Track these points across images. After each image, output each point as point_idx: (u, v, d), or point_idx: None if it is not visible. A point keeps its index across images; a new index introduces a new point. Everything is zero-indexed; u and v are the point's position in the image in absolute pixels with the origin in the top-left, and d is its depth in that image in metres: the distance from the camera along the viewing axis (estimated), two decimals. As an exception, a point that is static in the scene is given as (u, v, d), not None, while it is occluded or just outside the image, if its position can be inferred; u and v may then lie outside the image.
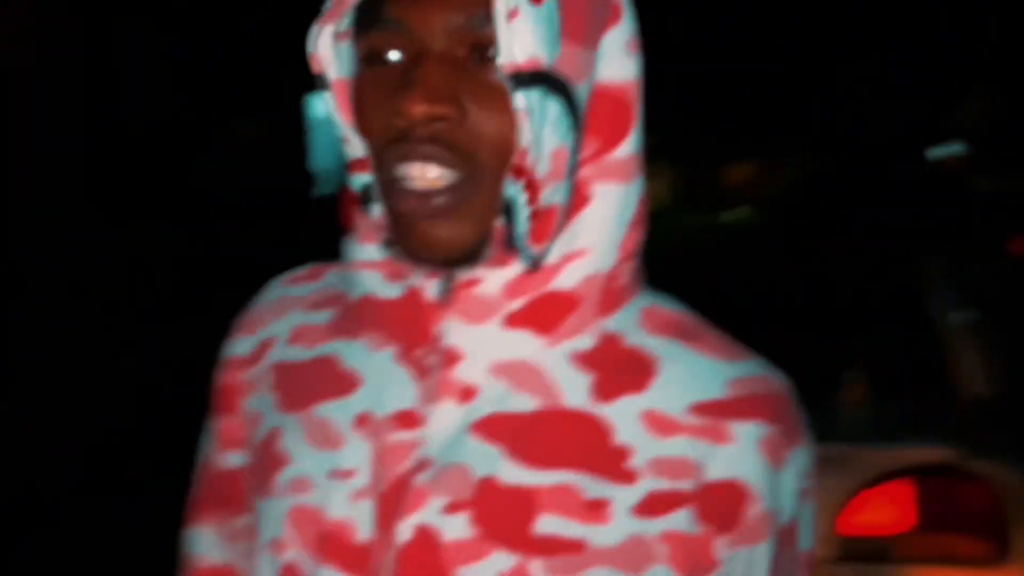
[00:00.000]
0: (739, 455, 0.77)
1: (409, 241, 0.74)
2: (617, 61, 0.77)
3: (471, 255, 0.74)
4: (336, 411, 0.81)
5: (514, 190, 0.72)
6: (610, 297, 0.79)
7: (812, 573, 1.86)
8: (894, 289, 3.27)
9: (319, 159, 17.42)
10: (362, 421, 0.80)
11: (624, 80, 0.77)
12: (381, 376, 0.80)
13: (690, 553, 0.77)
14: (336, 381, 0.82)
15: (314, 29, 0.75)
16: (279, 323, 0.89)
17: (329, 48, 0.76)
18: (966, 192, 8.71)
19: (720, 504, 0.77)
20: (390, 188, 0.73)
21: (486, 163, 0.72)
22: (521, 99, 0.70)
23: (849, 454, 2.71)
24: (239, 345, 0.91)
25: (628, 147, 0.78)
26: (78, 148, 10.98)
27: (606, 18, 0.76)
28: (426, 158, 0.71)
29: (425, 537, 0.76)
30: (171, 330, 9.44)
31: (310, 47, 0.76)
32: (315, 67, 0.77)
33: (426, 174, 0.72)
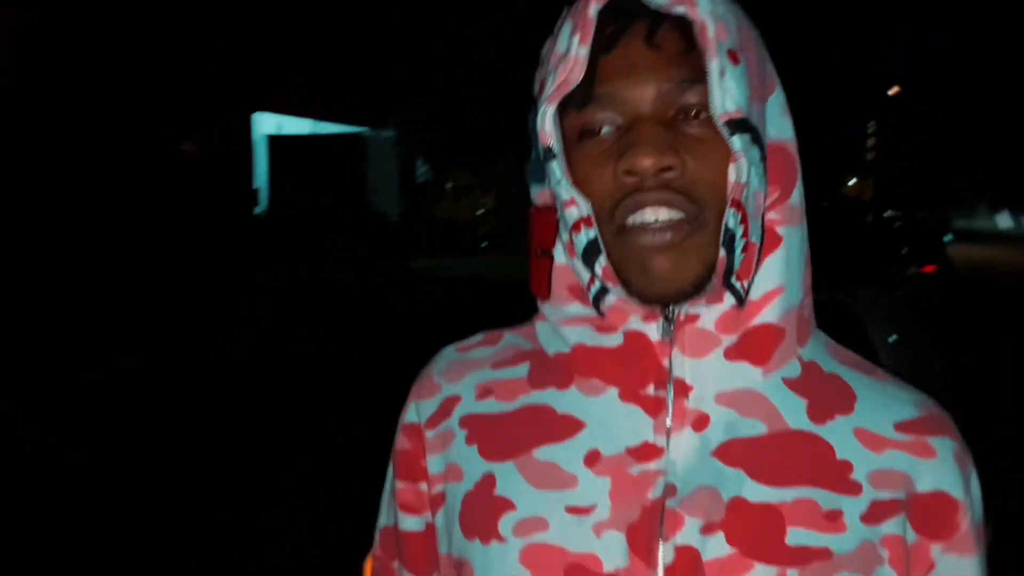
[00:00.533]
0: (942, 468, 0.84)
1: (644, 276, 0.80)
2: (780, 122, 0.85)
3: (698, 287, 0.80)
4: (562, 453, 0.85)
5: (734, 222, 0.80)
6: (803, 328, 0.87)
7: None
8: (833, 316, 3.45)
9: (261, 176, 17.40)
10: (593, 459, 0.84)
11: (787, 138, 0.86)
12: (606, 416, 0.85)
13: (907, 556, 0.83)
14: (555, 426, 0.86)
15: (540, 109, 0.83)
16: (460, 384, 0.93)
17: (552, 124, 0.82)
18: (877, 224, 9.10)
19: (932, 513, 0.84)
20: (624, 233, 0.80)
21: (707, 203, 0.79)
22: (737, 141, 0.79)
23: None
24: (416, 412, 0.95)
25: (798, 195, 0.86)
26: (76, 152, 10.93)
27: (768, 85, 0.85)
28: (659, 203, 0.78)
29: (688, 557, 0.80)
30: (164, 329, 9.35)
31: (537, 125, 0.83)
32: (543, 142, 0.83)
33: (659, 216, 0.79)
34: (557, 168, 0.83)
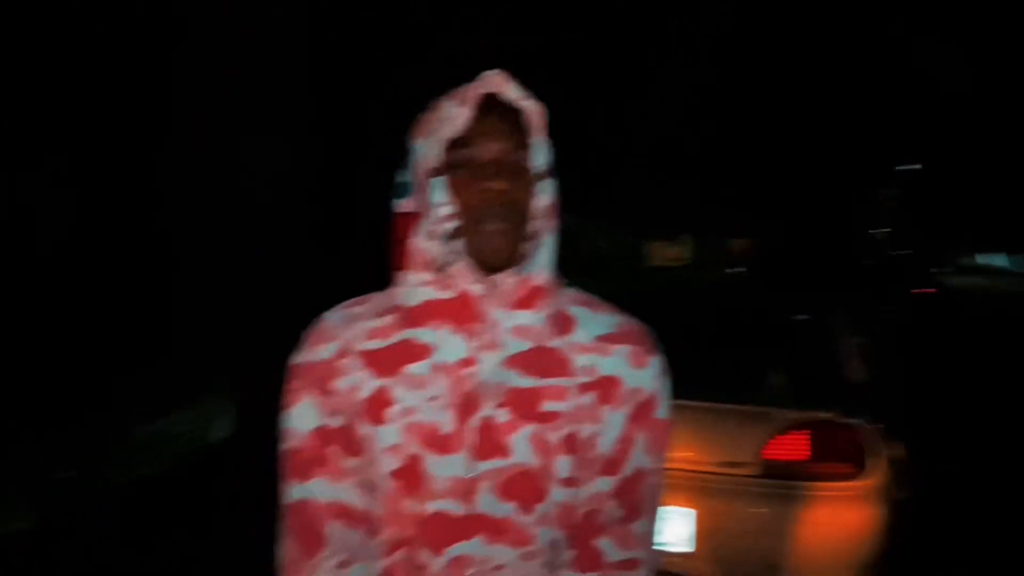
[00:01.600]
0: (615, 362, 1.33)
1: (483, 258, 1.25)
2: (552, 180, 1.32)
3: (510, 264, 1.27)
4: (422, 367, 1.28)
5: (534, 229, 1.28)
6: (554, 287, 1.33)
7: (741, 486, 3.81)
8: (813, 321, 4.54)
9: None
10: (437, 368, 1.28)
11: (555, 188, 1.32)
12: (446, 343, 1.29)
13: (593, 417, 1.31)
14: (417, 351, 1.29)
15: (430, 145, 1.27)
16: (351, 330, 1.33)
17: (439, 156, 1.26)
18: (883, 258, 11.37)
19: (605, 389, 1.32)
20: (478, 231, 1.24)
21: (524, 216, 1.26)
22: (546, 186, 1.28)
23: (774, 413, 3.94)
24: (321, 351, 1.33)
25: (556, 217, 1.31)
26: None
27: (550, 157, 1.32)
28: (501, 214, 1.24)
29: (488, 423, 1.26)
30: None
31: (427, 154, 1.27)
32: (433, 164, 1.26)
33: (499, 226, 1.25)
34: (440, 184, 1.25)
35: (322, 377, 1.32)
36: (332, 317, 1.36)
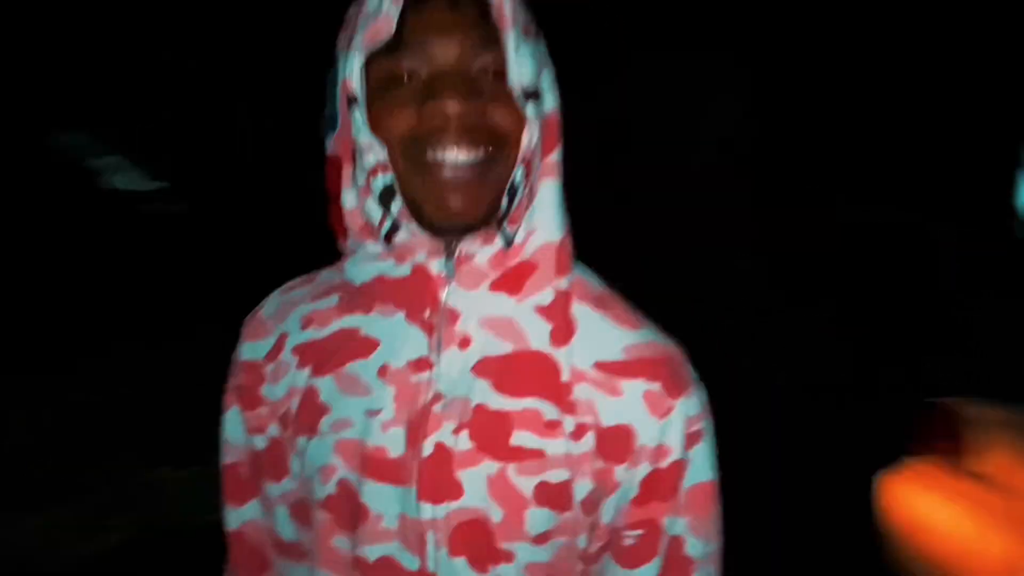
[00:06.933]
0: (625, 406, 0.99)
1: (440, 212, 0.92)
2: (550, 95, 0.97)
3: (483, 223, 0.93)
4: (362, 368, 1.01)
5: (520, 177, 0.94)
6: (562, 262, 0.99)
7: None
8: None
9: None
10: (383, 372, 1.00)
11: (555, 108, 0.97)
12: (395, 336, 1.00)
13: (598, 474, 0.99)
14: (359, 346, 1.02)
15: (350, 58, 0.92)
16: (286, 322, 1.08)
17: (359, 75, 0.93)
18: None
19: (614, 443, 0.99)
20: (423, 170, 0.91)
21: (502, 151, 0.92)
22: (531, 109, 0.93)
23: None
24: (251, 350, 1.09)
25: (557, 154, 0.98)
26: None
27: (545, 61, 0.97)
28: (461, 142, 0.89)
29: (441, 451, 0.97)
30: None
31: (344, 74, 0.93)
32: (349, 90, 0.93)
33: (459, 158, 0.90)
34: (359, 115, 0.93)
35: (250, 384, 1.09)
36: (270, 303, 1.12)
